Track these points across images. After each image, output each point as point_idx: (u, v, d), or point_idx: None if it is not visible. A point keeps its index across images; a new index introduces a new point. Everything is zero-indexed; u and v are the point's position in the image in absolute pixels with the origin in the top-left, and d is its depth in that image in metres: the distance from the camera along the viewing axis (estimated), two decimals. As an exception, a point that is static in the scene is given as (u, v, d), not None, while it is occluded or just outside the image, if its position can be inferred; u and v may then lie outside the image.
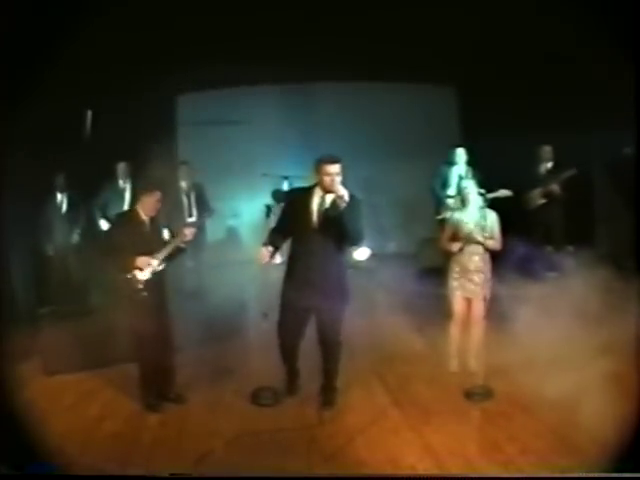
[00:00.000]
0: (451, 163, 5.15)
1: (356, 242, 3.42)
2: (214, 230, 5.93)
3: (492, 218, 3.72)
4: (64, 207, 5.57)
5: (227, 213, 6.04)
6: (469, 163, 5.03)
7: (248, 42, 4.99)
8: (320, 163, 3.29)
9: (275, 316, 3.54)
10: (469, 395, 3.43)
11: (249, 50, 5.05)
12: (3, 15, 3.54)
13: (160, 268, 3.78)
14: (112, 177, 5.54)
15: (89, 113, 5.31)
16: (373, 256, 4.84)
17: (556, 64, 4.36)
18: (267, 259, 3.38)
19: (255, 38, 5.01)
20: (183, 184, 5.56)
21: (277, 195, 5.01)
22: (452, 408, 3.29)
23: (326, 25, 5.22)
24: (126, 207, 5.27)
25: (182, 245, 3.87)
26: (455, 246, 3.77)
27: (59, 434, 3.30)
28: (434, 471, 2.74)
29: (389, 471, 2.79)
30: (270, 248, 3.39)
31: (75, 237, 5.55)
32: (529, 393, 3.23)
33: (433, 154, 5.30)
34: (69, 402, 3.88)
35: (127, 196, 5.52)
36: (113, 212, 5.05)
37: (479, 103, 5.32)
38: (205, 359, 4.27)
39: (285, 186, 5.25)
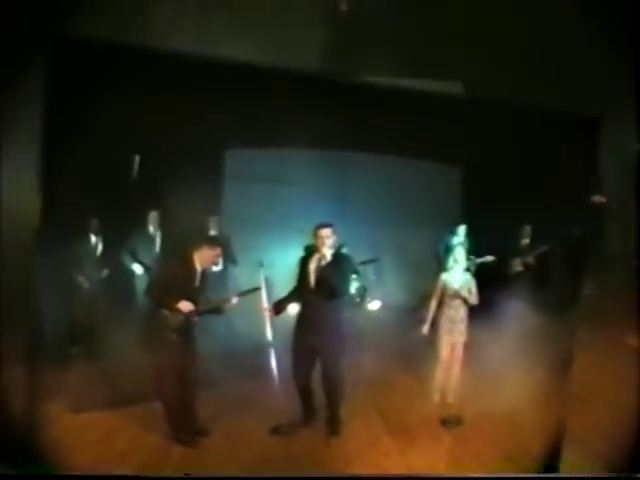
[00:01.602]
0: (453, 233, 5.88)
1: (340, 295, 3.83)
2: (249, 278, 6.13)
3: (472, 280, 4.33)
4: (98, 249, 5.64)
5: (264, 264, 6.25)
6: (467, 235, 5.80)
7: (293, 109, 5.24)
8: (316, 229, 3.83)
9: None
10: (444, 423, 4.01)
11: (293, 115, 5.29)
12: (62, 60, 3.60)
13: (195, 319, 3.81)
14: (143, 224, 5.65)
15: (137, 158, 5.37)
16: (383, 307, 5.48)
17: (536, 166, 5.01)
18: (271, 316, 4.04)
19: (300, 107, 5.29)
20: (213, 234, 5.67)
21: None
22: (431, 434, 3.88)
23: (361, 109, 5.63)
24: (157, 253, 5.38)
25: (222, 308, 3.95)
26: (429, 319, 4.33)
27: (86, 467, 3.38)
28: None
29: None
30: (270, 307, 4.02)
31: (106, 278, 5.63)
32: (490, 420, 3.91)
33: (439, 224, 5.91)
34: (95, 437, 3.84)
35: (157, 243, 5.62)
36: (144, 257, 5.19)
37: (479, 185, 6.04)
38: (229, 395, 4.39)
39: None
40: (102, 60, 4.56)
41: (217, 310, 3.90)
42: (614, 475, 3.06)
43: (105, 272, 5.39)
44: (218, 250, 3.89)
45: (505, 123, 5.05)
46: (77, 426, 3.87)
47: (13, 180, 3.91)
